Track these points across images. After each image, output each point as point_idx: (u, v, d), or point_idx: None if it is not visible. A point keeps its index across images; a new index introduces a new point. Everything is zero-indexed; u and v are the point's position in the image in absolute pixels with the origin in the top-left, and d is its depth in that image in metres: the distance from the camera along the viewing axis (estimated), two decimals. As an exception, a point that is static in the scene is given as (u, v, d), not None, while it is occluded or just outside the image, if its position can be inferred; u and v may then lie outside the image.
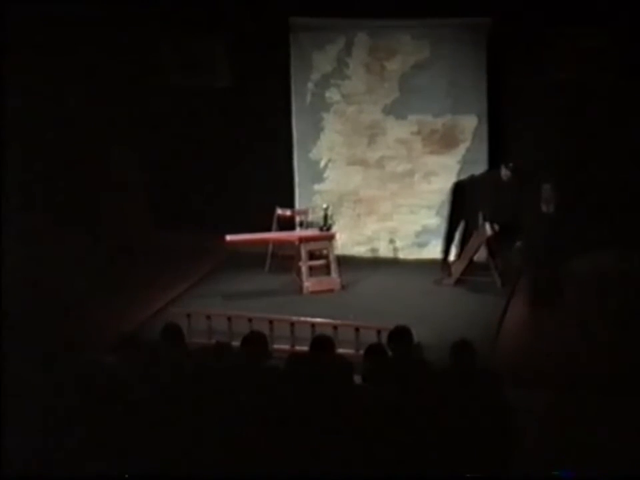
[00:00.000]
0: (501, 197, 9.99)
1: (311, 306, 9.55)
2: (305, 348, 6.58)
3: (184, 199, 11.48)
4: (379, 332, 8.07)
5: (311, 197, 11.26)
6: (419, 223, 11.12)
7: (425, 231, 11.09)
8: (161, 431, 5.68)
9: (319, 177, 11.29)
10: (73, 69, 10.78)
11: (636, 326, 8.51)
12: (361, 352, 6.59)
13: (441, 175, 10.94)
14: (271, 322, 8.60)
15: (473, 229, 10.34)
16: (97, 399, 5.84)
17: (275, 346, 7.95)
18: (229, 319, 8.81)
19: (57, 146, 10.66)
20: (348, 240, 11.13)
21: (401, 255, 11.20)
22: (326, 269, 10.35)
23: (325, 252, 10.41)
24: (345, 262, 10.60)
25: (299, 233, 10.72)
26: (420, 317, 8.50)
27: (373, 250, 11.29)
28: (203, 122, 11.37)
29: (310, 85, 11.13)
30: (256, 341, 6.25)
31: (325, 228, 10.40)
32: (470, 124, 10.79)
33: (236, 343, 6.43)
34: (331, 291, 10.22)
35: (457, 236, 10.58)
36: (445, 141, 10.92)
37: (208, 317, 8.94)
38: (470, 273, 10.29)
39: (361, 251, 11.28)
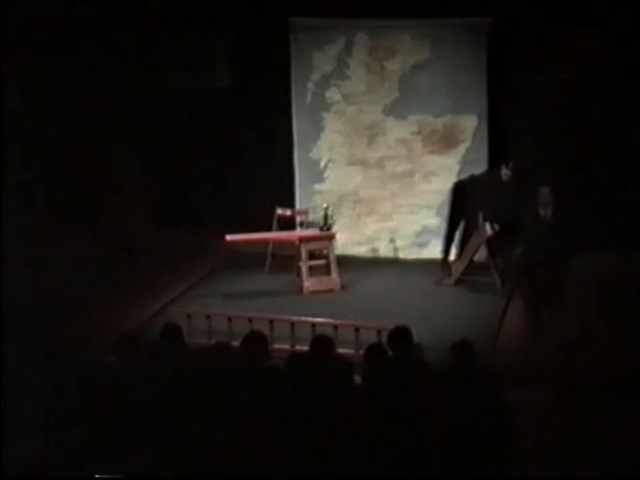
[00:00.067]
0: (501, 196, 9.99)
1: (311, 306, 9.54)
2: (305, 348, 6.58)
3: (184, 199, 11.48)
4: (379, 332, 8.07)
5: (311, 197, 11.26)
6: (419, 222, 11.12)
7: (425, 230, 11.09)
8: (161, 430, 5.68)
9: (319, 176, 11.29)
10: (72, 69, 10.78)
11: (636, 326, 8.51)
12: (361, 352, 6.58)
13: (441, 175, 10.94)
14: (271, 322, 8.60)
15: (473, 229, 10.33)
16: (97, 398, 5.85)
17: (275, 346, 7.95)
18: (229, 318, 8.81)
19: (57, 146, 10.66)
20: (348, 240, 11.13)
21: (401, 255, 11.20)
22: (326, 269, 10.35)
23: (325, 252, 10.41)
24: (345, 262, 10.60)
25: (299, 232, 10.72)
26: (420, 317, 8.50)
27: (373, 250, 11.29)
28: (203, 122, 11.37)
29: (310, 85, 11.13)
30: (256, 341, 6.25)
31: (325, 228, 10.40)
32: (470, 124, 10.79)
33: (236, 343, 6.43)
34: (331, 290, 10.22)
35: (457, 236, 10.58)
36: (445, 141, 10.92)
37: (208, 317, 8.94)
38: (470, 273, 10.29)
39: (361, 250, 11.28)
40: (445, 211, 10.68)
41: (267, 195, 11.01)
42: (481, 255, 10.30)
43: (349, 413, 5.62)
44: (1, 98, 8.82)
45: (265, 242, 10.78)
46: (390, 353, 6.24)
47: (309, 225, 10.93)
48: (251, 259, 10.82)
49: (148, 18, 10.92)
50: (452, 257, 10.60)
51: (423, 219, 11.09)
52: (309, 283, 10.20)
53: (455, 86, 10.75)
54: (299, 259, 10.29)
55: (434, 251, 10.89)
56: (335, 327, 8.44)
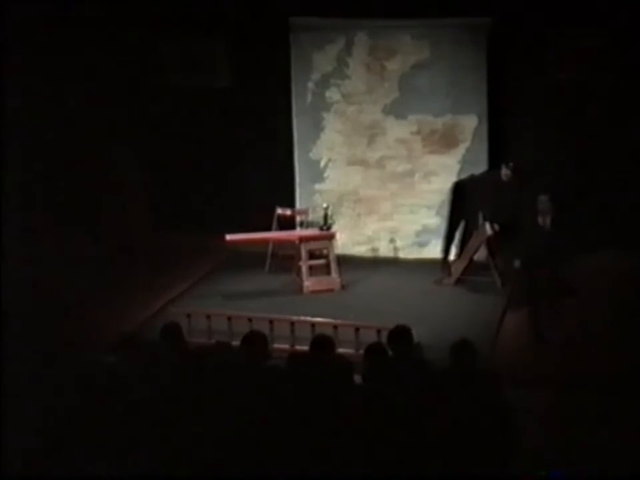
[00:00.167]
0: (501, 196, 9.99)
1: (311, 306, 9.55)
2: (305, 348, 6.58)
3: (184, 199, 11.48)
4: (379, 332, 8.07)
5: (311, 197, 11.26)
6: (419, 222, 11.12)
7: (425, 230, 11.09)
8: (161, 430, 5.68)
9: (319, 176, 11.29)
10: (73, 69, 10.78)
11: (636, 326, 8.51)
12: (361, 352, 6.59)
13: (440, 175, 10.94)
14: (271, 322, 8.60)
15: (473, 229, 10.34)
16: (97, 398, 5.85)
17: (275, 346, 7.96)
18: (229, 318, 8.82)
19: (57, 146, 10.66)
20: (348, 240, 11.13)
21: (401, 255, 11.21)
22: (326, 269, 10.35)
23: (325, 251, 10.41)
24: (345, 262, 10.60)
25: (299, 232, 10.72)
26: (420, 317, 8.50)
27: (373, 249, 11.29)
28: (203, 122, 11.37)
29: (310, 85, 11.13)
30: (256, 341, 6.25)
31: (325, 227, 10.40)
32: (470, 124, 10.80)
33: (236, 343, 6.42)
34: (331, 290, 10.22)
35: (457, 236, 10.58)
36: (445, 141, 10.92)
37: (208, 317, 8.94)
38: (470, 273, 10.29)
39: (361, 250, 11.28)
40: (445, 211, 10.68)
41: (267, 194, 11.01)
42: (481, 254, 10.30)
43: (349, 412, 5.62)
44: (1, 98, 8.82)
45: (265, 242, 10.79)
46: (390, 352, 6.24)
47: (309, 224, 10.93)
48: (251, 258, 10.82)
49: (148, 18, 10.92)
50: (452, 256, 10.60)
51: (422, 219, 11.09)
52: (308, 283, 10.20)
53: (454, 86, 10.75)
54: (299, 258, 10.29)
55: (434, 250, 10.89)
56: (335, 327, 8.44)
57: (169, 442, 5.63)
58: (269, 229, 10.77)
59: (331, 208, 10.49)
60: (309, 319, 8.79)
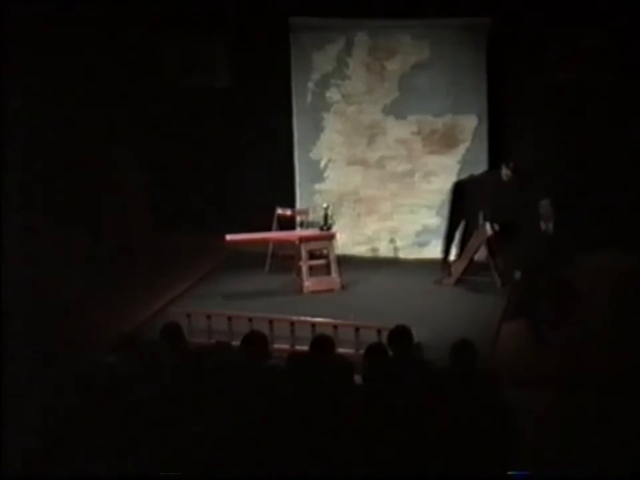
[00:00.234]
0: (501, 196, 9.99)
1: (311, 306, 9.55)
2: (305, 348, 6.58)
3: (184, 199, 11.48)
4: (379, 332, 8.08)
5: (311, 197, 11.26)
6: (419, 222, 11.12)
7: (425, 230, 11.10)
8: (161, 430, 5.68)
9: (319, 176, 11.29)
10: (73, 69, 10.78)
11: (636, 326, 8.51)
12: (361, 352, 6.59)
13: (440, 175, 10.94)
14: (271, 322, 8.60)
15: (473, 229, 10.33)
16: (97, 399, 5.85)
17: (275, 346, 7.96)
18: (229, 318, 8.82)
19: (57, 146, 10.66)
20: (348, 240, 11.13)
21: (401, 255, 11.20)
22: (326, 269, 10.35)
23: (325, 252, 10.41)
24: (345, 262, 10.60)
25: (299, 232, 10.72)
26: (420, 317, 8.50)
27: (373, 250, 11.29)
28: (203, 122, 11.37)
29: (310, 85, 11.13)
30: (256, 341, 6.25)
31: (325, 228, 10.40)
32: (470, 124, 10.80)
33: (236, 343, 6.43)
34: (331, 290, 10.22)
35: (457, 236, 10.58)
36: (445, 141, 10.92)
37: (208, 317, 8.94)
38: (470, 273, 10.29)
39: (361, 250, 11.28)
40: (445, 211, 10.67)
41: (267, 195, 11.00)
42: (481, 254, 10.30)
43: (349, 412, 5.62)
44: (1, 98, 8.82)
45: (265, 242, 10.78)
46: (390, 352, 6.24)
47: (309, 224, 10.93)
48: (251, 258, 10.82)
49: (148, 18, 10.92)
50: (452, 256, 10.60)
51: (423, 219, 11.09)
52: (309, 283, 10.20)
53: (454, 86, 10.75)
54: (299, 258, 10.29)
55: (434, 250, 10.89)
56: (335, 327, 8.44)
57: (169, 442, 5.63)
58: (269, 229, 10.77)
59: (331, 208, 10.49)
60: (309, 319, 8.79)
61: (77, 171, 10.96)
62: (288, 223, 10.98)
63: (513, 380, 7.01)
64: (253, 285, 10.35)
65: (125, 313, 9.37)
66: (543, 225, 8.98)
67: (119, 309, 9.46)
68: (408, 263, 11.04)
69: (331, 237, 10.37)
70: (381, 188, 11.17)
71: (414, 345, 6.50)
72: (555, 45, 10.31)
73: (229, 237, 10.26)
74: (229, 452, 5.57)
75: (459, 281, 10.28)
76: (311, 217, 10.99)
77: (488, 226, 9.98)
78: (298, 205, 11.24)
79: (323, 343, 6.35)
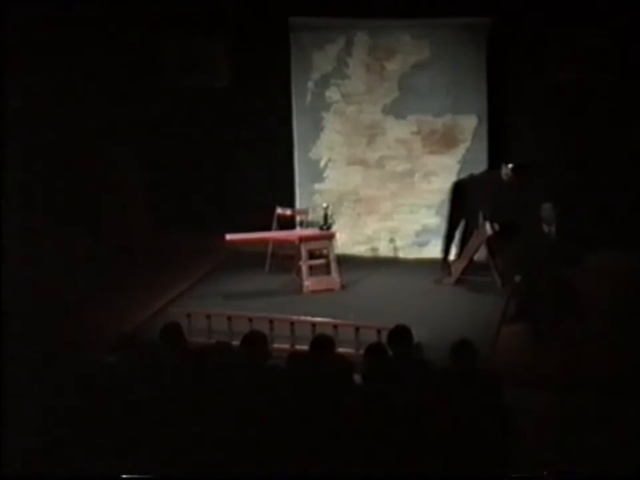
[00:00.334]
0: (501, 196, 9.99)
1: (311, 305, 9.54)
2: (305, 347, 6.58)
3: (184, 199, 11.48)
4: (379, 331, 8.07)
5: (311, 197, 11.26)
6: (419, 222, 11.12)
7: (425, 230, 11.10)
8: (161, 430, 5.68)
9: (318, 176, 11.29)
10: (73, 69, 10.78)
11: (636, 326, 8.51)
12: (361, 351, 6.59)
13: (440, 175, 10.94)
14: (271, 321, 8.60)
15: (473, 229, 10.34)
16: (97, 399, 5.85)
17: (275, 345, 7.96)
18: (229, 318, 8.81)
19: (57, 146, 10.66)
20: (348, 239, 11.13)
21: (401, 255, 11.21)
22: (326, 269, 10.35)
23: (325, 251, 10.41)
24: (345, 261, 10.61)
25: (299, 232, 10.72)
26: (420, 317, 8.50)
27: (373, 249, 11.29)
28: (203, 122, 11.38)
29: (310, 85, 11.14)
30: (256, 341, 6.25)
31: (325, 227, 10.40)
32: (470, 124, 10.80)
33: (236, 343, 6.43)
34: (331, 290, 10.21)
35: (457, 235, 10.58)
36: (444, 141, 10.92)
37: (208, 317, 8.94)
38: (470, 273, 10.29)
39: (361, 250, 11.28)
40: (445, 211, 10.68)
41: (267, 194, 11.00)
42: (481, 254, 10.30)
43: (349, 412, 5.62)
44: (1, 98, 8.82)
45: (265, 241, 10.79)
46: (390, 352, 6.25)
47: (309, 224, 10.93)
48: (251, 258, 10.82)
49: (148, 18, 10.92)
50: (452, 256, 10.60)
51: (422, 219, 11.09)
52: (308, 283, 10.20)
53: (454, 86, 10.75)
54: (299, 258, 10.29)
55: (434, 250, 10.89)
56: (335, 327, 8.44)
57: (169, 442, 5.63)
58: (269, 228, 10.77)
59: (330, 208, 10.49)
60: (309, 318, 8.78)
61: (76, 170, 10.95)
62: (288, 223, 10.98)
63: (513, 380, 7.01)
64: (253, 284, 10.35)
65: (125, 312, 9.37)
66: (545, 228, 8.95)
67: (119, 308, 9.45)
68: (408, 263, 11.04)
69: (331, 237, 10.37)
70: (380, 188, 11.17)
71: (414, 344, 6.50)
72: (555, 44, 10.31)
73: (228, 237, 10.26)
74: (229, 452, 5.57)
75: (458, 281, 10.28)
76: (310, 217, 10.99)
77: (488, 226, 9.97)
78: (298, 205, 11.24)
79: (322, 342, 6.36)
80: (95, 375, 6.03)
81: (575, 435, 6.88)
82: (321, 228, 10.44)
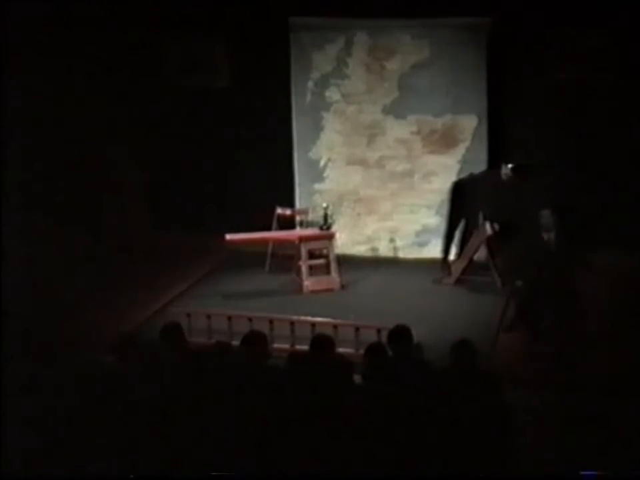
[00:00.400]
0: (501, 196, 9.99)
1: (310, 305, 9.55)
2: (305, 347, 6.58)
3: (184, 199, 11.48)
4: (379, 331, 8.08)
5: (311, 197, 11.27)
6: (419, 222, 11.12)
7: (425, 230, 11.10)
8: (161, 430, 5.68)
9: (318, 176, 11.30)
10: (73, 69, 10.78)
11: (636, 326, 8.51)
12: (361, 351, 6.59)
13: (440, 175, 10.94)
14: (270, 321, 8.61)
15: (473, 228, 10.34)
16: (97, 398, 5.85)
17: (275, 345, 7.97)
18: (229, 318, 8.82)
19: (57, 146, 10.66)
20: (348, 239, 11.14)
21: (401, 255, 11.21)
22: (326, 269, 10.36)
23: (324, 251, 10.42)
24: (345, 261, 10.61)
25: (298, 232, 10.72)
26: (420, 317, 8.51)
27: (373, 249, 11.29)
28: (203, 122, 11.38)
29: (310, 85, 11.14)
30: (256, 341, 6.25)
31: (324, 227, 10.41)
32: (470, 124, 10.80)
33: (236, 343, 6.43)
34: (331, 290, 10.22)
35: (457, 235, 10.58)
36: (444, 141, 10.93)
37: (208, 317, 8.95)
38: (470, 273, 10.29)
39: (361, 250, 11.29)
40: (445, 211, 10.68)
41: (267, 194, 11.01)
42: (481, 254, 10.31)
43: (349, 412, 5.62)
44: (1, 98, 8.82)
45: (264, 241, 10.79)
46: (390, 352, 6.25)
47: (309, 224, 10.94)
48: (251, 258, 10.83)
49: (148, 18, 10.92)
50: (452, 256, 10.60)
51: (422, 219, 11.10)
52: (308, 283, 10.20)
53: (454, 86, 10.75)
54: (299, 258, 10.29)
55: (434, 250, 10.90)
56: (335, 327, 8.45)
57: (169, 442, 5.63)
58: (269, 228, 10.78)
59: (330, 208, 10.49)
60: (309, 318, 8.79)
61: (77, 171, 10.96)
62: (288, 223, 10.98)
63: (513, 380, 7.01)
64: (253, 284, 10.36)
65: (125, 312, 9.37)
66: (545, 236, 8.88)
67: (119, 308, 9.45)
68: (408, 263, 11.04)
69: (331, 237, 10.37)
70: (380, 188, 11.17)
71: (414, 344, 6.50)
72: (555, 44, 10.30)
73: (228, 237, 10.26)
74: (229, 452, 5.57)
75: (458, 281, 10.28)
76: (310, 217, 10.99)
77: (488, 226, 9.97)
78: (298, 205, 11.24)
79: (322, 342, 6.36)
80: (95, 374, 6.03)
81: (575, 434, 6.88)
82: (321, 228, 10.45)
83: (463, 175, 10.73)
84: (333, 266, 10.30)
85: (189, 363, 6.16)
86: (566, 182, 10.19)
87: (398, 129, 11.01)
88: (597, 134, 10.36)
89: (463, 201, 10.45)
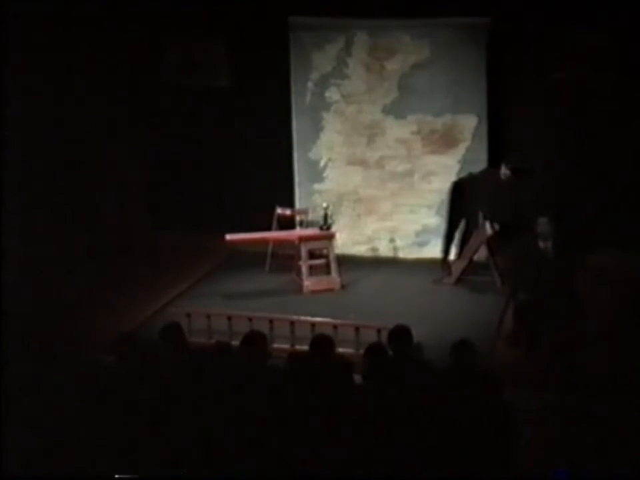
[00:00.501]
0: (501, 196, 9.98)
1: (310, 305, 9.54)
2: (305, 347, 6.58)
3: (184, 199, 11.48)
4: (379, 331, 8.07)
5: (311, 197, 11.26)
6: (419, 222, 11.11)
7: (425, 230, 11.09)
8: (161, 430, 5.68)
9: (318, 176, 11.29)
10: (72, 69, 10.78)
11: (636, 326, 8.51)
12: (361, 351, 6.59)
13: (440, 175, 10.93)
14: (270, 321, 8.60)
15: (473, 228, 10.33)
16: (97, 398, 5.85)
17: (275, 345, 7.97)
18: (229, 318, 8.81)
19: (57, 146, 10.67)
20: (348, 239, 11.13)
21: (401, 255, 11.20)
22: (326, 269, 10.35)
23: (324, 251, 10.41)
24: (345, 261, 10.60)
25: (298, 232, 10.71)
26: (420, 317, 8.50)
27: (373, 249, 11.28)
28: (203, 122, 11.37)
29: (310, 85, 11.13)
30: (256, 341, 6.25)
31: (324, 227, 10.40)
32: (470, 124, 10.79)
33: (236, 343, 6.43)
34: (331, 290, 10.21)
35: (457, 235, 10.58)
36: (444, 141, 10.92)
37: (208, 317, 8.94)
38: (470, 273, 10.29)
39: (361, 250, 11.28)
40: (445, 211, 10.67)
41: (267, 194, 11.00)
42: (481, 254, 10.30)
43: (349, 412, 5.62)
44: (1, 98, 8.83)
45: (264, 241, 10.78)
46: (390, 352, 6.25)
47: (309, 224, 10.93)
48: (251, 258, 10.82)
49: (148, 18, 10.93)
50: (452, 256, 10.60)
51: (422, 219, 11.09)
52: (308, 283, 10.20)
53: (454, 85, 10.74)
54: (299, 258, 10.29)
55: (434, 250, 10.89)
56: (335, 327, 8.44)
57: (169, 442, 5.63)
58: (269, 228, 10.77)
59: (330, 208, 10.48)
60: (309, 318, 8.78)
61: (77, 170, 10.97)
62: (288, 223, 10.97)
63: (513, 380, 7.01)
64: (253, 284, 10.35)
65: (125, 312, 9.37)
66: (541, 244, 8.76)
67: (119, 308, 9.45)
68: (408, 263, 11.03)
69: (331, 237, 10.37)
70: (380, 188, 11.16)
71: (414, 344, 6.50)
72: (555, 44, 10.30)
73: (228, 237, 10.26)
74: (229, 452, 5.57)
75: (458, 281, 10.28)
76: (310, 217, 10.99)
77: (488, 226, 9.97)
78: (297, 205, 11.24)
79: (322, 342, 6.36)
80: (95, 374, 6.04)
81: (575, 434, 6.88)
82: (321, 228, 10.44)
83: (463, 175, 10.72)
84: (333, 266, 10.30)
85: (189, 363, 6.16)
86: (565, 182, 10.18)
87: (398, 129, 11.00)
88: (597, 134, 10.35)
89: (463, 201, 10.43)
